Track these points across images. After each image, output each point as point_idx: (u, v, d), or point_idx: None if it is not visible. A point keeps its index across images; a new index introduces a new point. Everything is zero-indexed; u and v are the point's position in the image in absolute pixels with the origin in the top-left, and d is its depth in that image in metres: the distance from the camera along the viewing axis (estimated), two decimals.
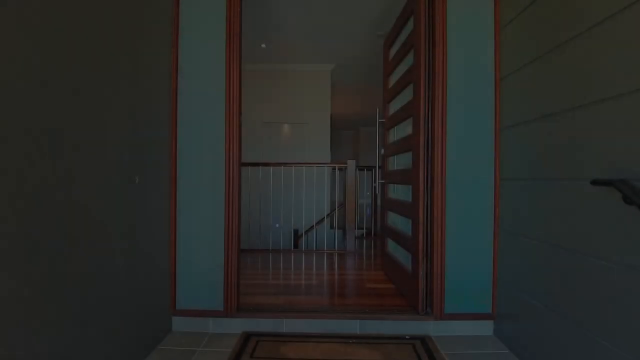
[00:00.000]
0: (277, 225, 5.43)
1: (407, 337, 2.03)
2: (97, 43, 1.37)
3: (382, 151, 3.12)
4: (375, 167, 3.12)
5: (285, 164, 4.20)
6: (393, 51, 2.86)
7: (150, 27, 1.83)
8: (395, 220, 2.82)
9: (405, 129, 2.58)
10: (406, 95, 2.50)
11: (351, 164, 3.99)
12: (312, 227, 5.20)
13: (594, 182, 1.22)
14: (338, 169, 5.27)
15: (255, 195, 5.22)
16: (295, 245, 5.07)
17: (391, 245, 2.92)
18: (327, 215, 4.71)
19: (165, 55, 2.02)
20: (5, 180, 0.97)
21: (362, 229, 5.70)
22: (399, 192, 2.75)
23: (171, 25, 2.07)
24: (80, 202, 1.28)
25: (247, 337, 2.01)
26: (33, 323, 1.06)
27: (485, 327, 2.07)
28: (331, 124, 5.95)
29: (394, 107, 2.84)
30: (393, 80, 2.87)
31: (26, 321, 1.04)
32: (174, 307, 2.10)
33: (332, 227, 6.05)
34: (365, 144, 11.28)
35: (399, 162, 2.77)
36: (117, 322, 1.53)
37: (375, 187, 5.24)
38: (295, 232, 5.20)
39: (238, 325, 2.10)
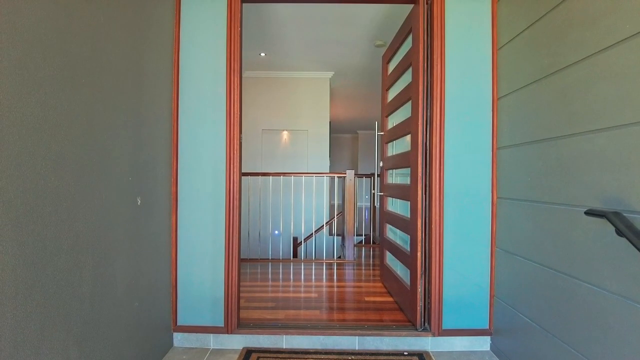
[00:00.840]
0: (276, 232, 5.45)
1: (405, 353, 2.05)
2: (104, 64, 1.40)
3: (381, 164, 3.15)
4: (374, 175, 3.15)
5: (284, 173, 4.22)
6: (391, 66, 2.89)
7: (151, 49, 1.85)
8: (394, 231, 2.85)
9: (403, 144, 2.61)
10: (404, 111, 2.53)
11: (350, 173, 4.02)
12: (311, 234, 5.22)
13: (588, 213, 1.25)
14: (337, 177, 5.29)
15: (255, 204, 5.25)
16: (295, 254, 5.09)
17: (390, 258, 2.94)
18: (326, 223, 4.74)
19: (167, 73, 2.04)
20: (8, 200, 0.99)
21: (361, 235, 5.73)
22: (397, 205, 2.78)
23: (172, 43, 2.09)
24: (84, 223, 1.31)
25: (247, 353, 2.03)
26: (36, 344, 1.09)
27: (483, 343, 2.10)
28: (330, 128, 5.97)
29: (392, 121, 2.87)
30: (391, 95, 2.90)
31: (29, 342, 1.06)
32: (175, 323, 2.12)
33: (330, 233, 6.08)
34: (364, 146, 11.31)
35: (397, 173, 2.81)
36: (119, 339, 1.55)
37: (373, 194, 5.26)
38: (294, 240, 5.22)
39: (239, 341, 2.12)
